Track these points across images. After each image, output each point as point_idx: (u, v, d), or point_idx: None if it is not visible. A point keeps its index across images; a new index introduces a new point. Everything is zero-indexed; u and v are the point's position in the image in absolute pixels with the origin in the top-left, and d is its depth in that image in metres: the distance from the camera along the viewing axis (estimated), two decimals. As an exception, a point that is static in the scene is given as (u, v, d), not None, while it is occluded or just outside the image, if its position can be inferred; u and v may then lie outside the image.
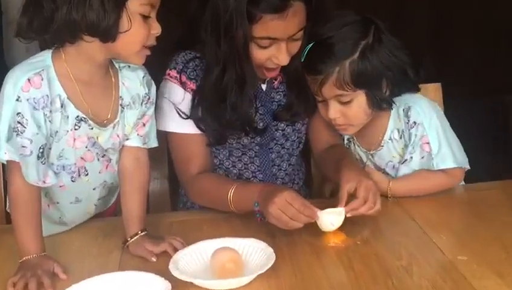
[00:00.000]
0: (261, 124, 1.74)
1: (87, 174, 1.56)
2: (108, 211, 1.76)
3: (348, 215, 1.51)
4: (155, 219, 1.69)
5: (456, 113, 1.82)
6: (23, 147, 1.40)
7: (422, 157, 1.69)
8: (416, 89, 1.71)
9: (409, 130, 1.69)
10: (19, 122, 1.39)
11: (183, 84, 1.67)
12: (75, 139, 1.48)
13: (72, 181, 1.54)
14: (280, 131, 1.78)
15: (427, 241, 1.47)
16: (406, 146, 1.71)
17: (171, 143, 1.75)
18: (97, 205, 1.66)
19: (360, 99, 1.64)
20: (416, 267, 1.36)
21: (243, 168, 1.80)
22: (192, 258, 1.41)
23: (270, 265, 1.33)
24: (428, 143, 1.67)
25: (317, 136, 1.84)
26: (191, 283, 1.31)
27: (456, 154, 1.69)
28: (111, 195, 1.72)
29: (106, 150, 1.55)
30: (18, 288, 1.34)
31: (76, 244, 1.57)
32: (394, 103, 1.68)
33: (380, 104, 1.65)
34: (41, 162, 1.43)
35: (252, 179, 1.81)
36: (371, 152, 1.78)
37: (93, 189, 1.60)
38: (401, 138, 1.72)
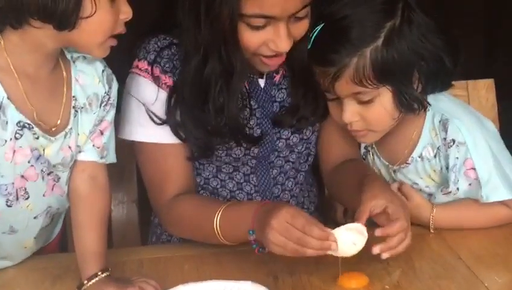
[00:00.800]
0: (259, 131, 1.71)
1: (27, 198, 1.52)
2: (51, 244, 1.74)
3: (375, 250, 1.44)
4: (120, 255, 1.66)
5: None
6: None
7: (470, 184, 1.65)
8: (448, 85, 1.67)
9: (446, 149, 1.66)
10: None
11: (156, 80, 1.64)
12: (15, 152, 1.44)
13: (8, 206, 1.50)
14: (283, 140, 1.75)
15: (478, 286, 1.45)
16: (441, 170, 1.69)
17: (140, 157, 1.72)
18: (37, 238, 1.62)
19: (384, 98, 1.60)
20: (464, 319, 1.35)
21: (235, 188, 1.77)
22: (169, 308, 1.38)
23: (272, 318, 1.29)
24: (473, 169, 1.64)
25: (327, 147, 1.80)
26: None
27: None
28: (54, 224, 1.69)
29: (54, 165, 1.52)
30: None
31: (17, 290, 1.53)
32: (428, 103, 1.65)
33: (410, 104, 1.61)
34: None
35: None
36: (394, 167, 1.75)
37: (34, 217, 1.57)
38: (435, 156, 1.69)
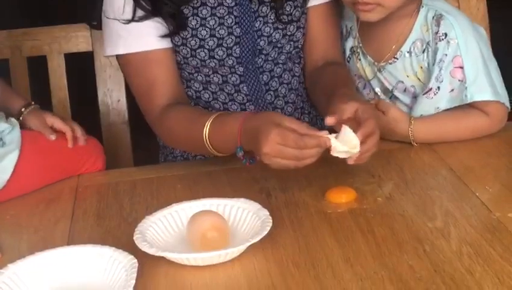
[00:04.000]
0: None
1: None
2: None
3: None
4: (113, 176, 1.70)
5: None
6: None
7: (452, 90, 1.66)
8: None
9: (436, 43, 1.67)
10: None
11: None
12: None
13: None
14: (265, 38, 1.74)
15: (468, 196, 1.47)
16: (428, 67, 1.69)
17: (125, 70, 1.74)
18: None
19: None
20: (455, 229, 1.35)
21: (227, 100, 1.78)
22: (164, 227, 1.40)
23: (265, 232, 1.31)
24: (461, 68, 1.65)
25: (309, 46, 1.80)
26: (163, 258, 1.30)
27: (497, 87, 1.66)
28: None
29: None
30: None
31: (10, 213, 1.55)
32: None
33: None
34: None
35: None
36: (381, 64, 1.76)
37: None
38: (423, 52, 1.70)
